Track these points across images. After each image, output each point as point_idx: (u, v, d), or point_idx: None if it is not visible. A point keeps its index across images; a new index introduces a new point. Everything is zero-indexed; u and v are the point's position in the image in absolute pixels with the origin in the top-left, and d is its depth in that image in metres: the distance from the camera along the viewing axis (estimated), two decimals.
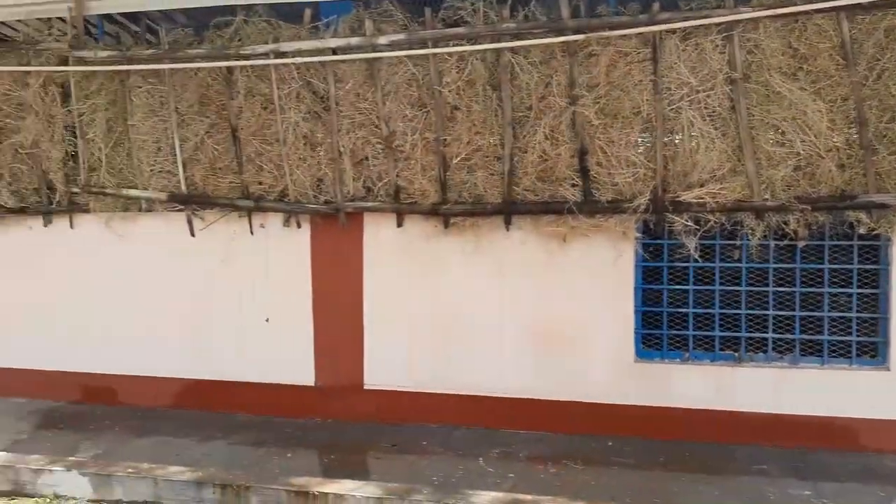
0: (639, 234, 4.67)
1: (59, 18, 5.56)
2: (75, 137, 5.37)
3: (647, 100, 4.46)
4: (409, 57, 4.76)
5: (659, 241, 4.74)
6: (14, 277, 5.68)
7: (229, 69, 5.04)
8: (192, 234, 5.31)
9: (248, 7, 5.07)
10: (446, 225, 4.89)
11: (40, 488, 4.35)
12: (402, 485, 4.05)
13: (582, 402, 4.80)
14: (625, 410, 4.75)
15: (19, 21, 5.92)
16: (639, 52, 4.47)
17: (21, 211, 5.53)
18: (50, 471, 4.38)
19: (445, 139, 4.75)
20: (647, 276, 4.82)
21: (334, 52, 4.86)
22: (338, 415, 5.17)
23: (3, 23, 5.94)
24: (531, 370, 4.87)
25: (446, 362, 5.01)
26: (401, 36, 4.76)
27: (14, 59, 5.41)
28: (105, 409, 5.44)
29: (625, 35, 4.44)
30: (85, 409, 5.45)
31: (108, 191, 5.36)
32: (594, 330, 4.78)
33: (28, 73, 5.36)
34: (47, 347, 5.63)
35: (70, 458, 4.52)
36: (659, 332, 4.82)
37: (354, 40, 4.83)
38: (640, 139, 4.53)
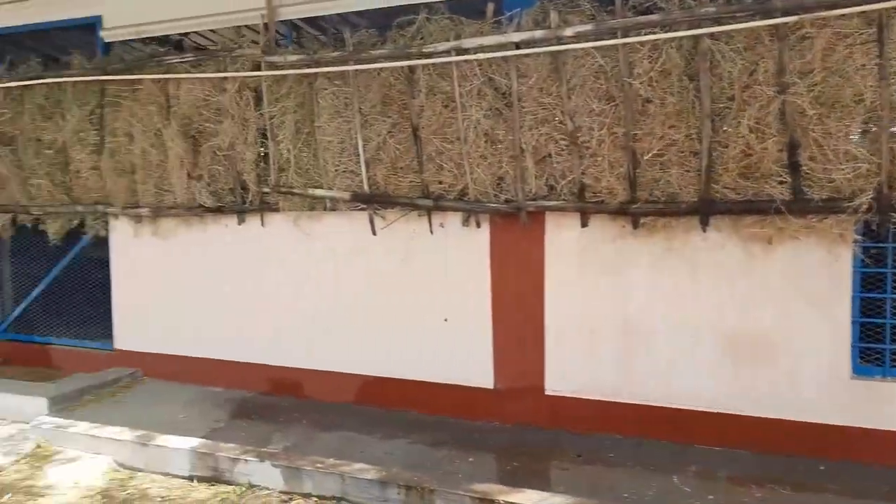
0: (858, 237, 4.16)
1: (249, 27, 5.83)
2: (266, 139, 5.60)
3: (871, 86, 3.95)
4: (596, 48, 4.53)
5: (882, 245, 4.21)
6: (212, 273, 6.02)
7: (411, 68, 5.04)
8: (374, 233, 5.38)
9: (430, 5, 5.04)
10: (635, 225, 4.61)
11: (236, 477, 4.56)
12: (591, 499, 3.85)
13: (787, 421, 4.36)
14: (838, 431, 4.27)
15: (213, 31, 6.31)
16: (861, 34, 3.97)
17: (218, 210, 5.86)
18: (245, 460, 4.57)
19: (636, 134, 4.47)
20: (867, 284, 4.29)
21: (517, 46, 4.72)
22: (516, 419, 5.04)
23: (199, 33, 6.34)
24: (728, 383, 4.50)
25: (633, 370, 4.74)
26: (588, 27, 4.52)
27: (213, 66, 5.71)
28: (292, 402, 5.64)
29: (844, 14, 3.96)
30: (274, 401, 5.69)
31: (295, 190, 5.54)
32: (802, 342, 4.33)
33: (225, 78, 5.65)
34: (239, 341, 5.93)
35: (263, 449, 4.71)
36: (880, 347, 4.28)
37: (538, 33, 4.66)
38: (862, 130, 4.03)
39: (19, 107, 6.50)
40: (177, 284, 6.17)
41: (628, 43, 4.44)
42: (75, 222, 6.48)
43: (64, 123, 6.31)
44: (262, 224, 5.79)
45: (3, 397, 5.73)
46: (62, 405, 5.64)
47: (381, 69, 5.14)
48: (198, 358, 6.11)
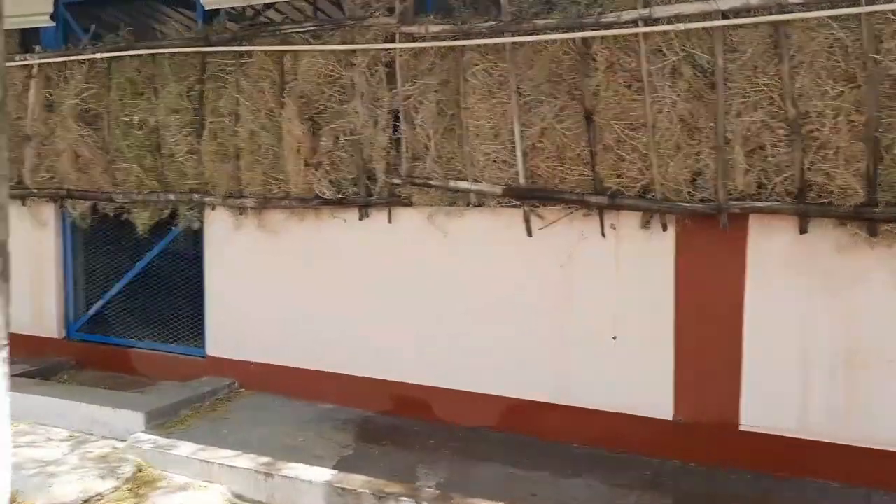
0: None
1: None
2: (399, 123, 4.87)
3: None
4: (832, 18, 3.76)
5: None
6: (327, 274, 5.29)
7: (585, 41, 4.29)
8: (529, 234, 4.62)
9: None
10: (872, 233, 3.84)
11: None
12: None
13: None
14: None
15: None
16: None
17: (338, 203, 5.12)
18: (396, 499, 3.85)
19: (881, 122, 3.70)
20: None
21: (725, 15, 3.96)
22: (701, 458, 4.28)
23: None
24: None
25: (857, 408, 3.96)
26: None
27: (338, 37, 4.98)
28: (421, 425, 4.90)
29: None
30: (399, 423, 4.95)
31: (433, 182, 4.80)
32: None
33: (353, 52, 4.92)
34: (358, 352, 5.19)
35: (413, 485, 3.99)
36: None
37: (755, 0, 3.90)
38: None
39: (106, 82, 5.80)
40: (282, 285, 5.44)
41: (876, 12, 3.67)
42: (166, 212, 5.77)
43: (157, 101, 5.61)
44: (389, 220, 5.05)
45: (90, 409, 5.04)
46: (158, 421, 4.94)
47: (547, 42, 4.39)
48: (304, 370, 5.38)
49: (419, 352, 5.00)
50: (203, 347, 5.80)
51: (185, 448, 4.54)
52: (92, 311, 6.35)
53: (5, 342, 2.04)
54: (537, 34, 4.39)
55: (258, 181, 5.32)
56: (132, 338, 6.17)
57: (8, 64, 6.19)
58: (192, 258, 5.90)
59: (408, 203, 4.93)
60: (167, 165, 5.66)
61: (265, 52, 5.19)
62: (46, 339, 6.42)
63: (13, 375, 5.82)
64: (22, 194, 6.29)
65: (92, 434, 4.97)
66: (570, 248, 4.55)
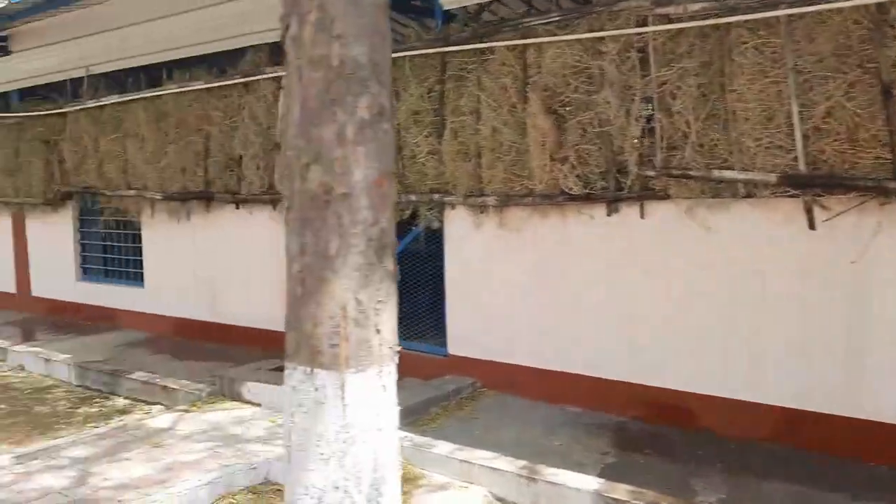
0: None
1: None
2: (652, 111, 4.58)
3: None
4: None
5: None
6: (572, 273, 5.12)
7: (881, 6, 3.76)
8: (811, 227, 4.16)
9: None
10: None
11: None
12: None
13: None
14: None
15: None
16: None
17: (585, 198, 4.92)
18: None
19: None
20: None
21: None
22: None
23: None
24: None
25: None
26: None
27: (584, 25, 4.78)
28: (682, 434, 4.59)
29: None
30: (659, 431, 4.66)
31: (692, 173, 4.46)
32: None
33: (601, 40, 4.70)
34: (610, 354, 4.97)
35: (692, 501, 3.70)
36: None
37: None
38: None
39: None
40: (526, 285, 5.34)
41: None
42: (407, 213, 5.88)
43: (398, 104, 5.71)
44: (642, 215, 4.77)
45: None
46: (410, 418, 5.01)
47: (831, 11, 3.91)
48: (550, 371, 5.25)
49: (675, 354, 4.67)
50: (444, 346, 5.85)
51: (443, 447, 4.55)
52: None
53: (396, 349, 2.03)
54: (819, 3, 3.93)
55: (499, 179, 5.25)
56: None
57: (258, 77, 6.62)
58: (431, 257, 5.97)
59: (663, 196, 4.63)
60: (408, 167, 5.76)
61: (507, 48, 5.10)
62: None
63: (270, 369, 6.24)
64: (273, 199, 6.70)
65: None
66: (864, 241, 4.03)
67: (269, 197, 6.72)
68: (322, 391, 1.83)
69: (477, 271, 5.59)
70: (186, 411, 5.66)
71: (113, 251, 8.75)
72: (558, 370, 5.19)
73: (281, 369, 5.92)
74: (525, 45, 5.01)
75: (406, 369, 6.17)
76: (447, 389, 5.40)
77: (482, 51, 5.23)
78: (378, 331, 1.90)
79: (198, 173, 7.27)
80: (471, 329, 5.66)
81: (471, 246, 5.60)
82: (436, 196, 5.64)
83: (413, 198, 5.77)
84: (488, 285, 5.53)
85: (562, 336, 5.18)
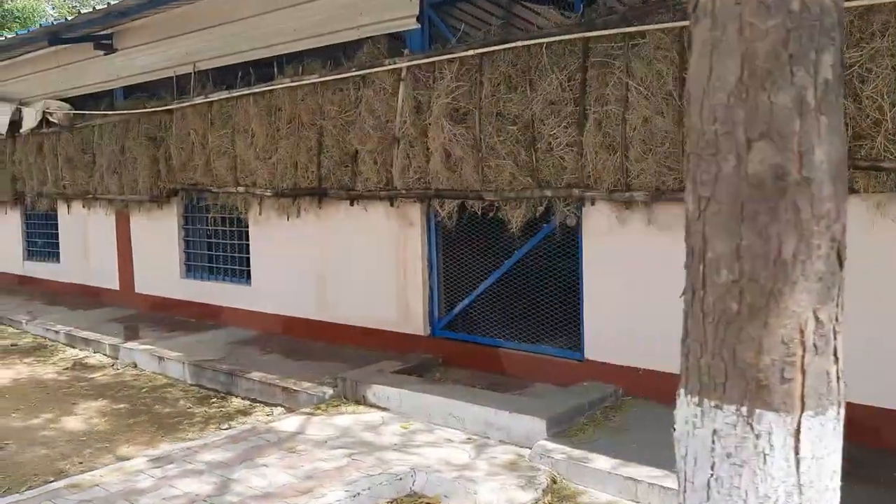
0: None
1: None
2: None
3: None
4: None
5: None
6: None
7: None
8: None
9: None
10: None
11: None
12: None
13: None
14: None
15: None
16: None
17: None
18: None
19: None
20: None
21: None
22: None
23: None
24: None
25: None
26: None
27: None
28: (881, 453, 4.14)
29: None
30: (865, 455, 4.20)
31: (885, 164, 4.01)
32: None
33: None
34: None
35: None
36: None
37: None
38: None
39: (477, 78, 5.72)
40: (677, 285, 4.95)
41: None
42: (540, 209, 5.56)
43: (533, 94, 5.40)
44: None
45: (484, 411, 4.93)
46: (557, 428, 4.70)
47: None
48: None
49: (882, 370, 4.21)
50: (579, 350, 5.52)
51: (602, 462, 4.22)
52: (457, 310, 6.37)
53: (840, 374, 1.49)
54: None
55: (650, 172, 4.88)
56: (500, 337, 6.08)
57: (376, 69, 6.40)
58: (565, 256, 5.64)
59: (853, 189, 4.18)
60: (543, 160, 5.44)
61: (662, 30, 4.73)
62: (412, 336, 6.56)
63: (392, 372, 6.02)
64: (390, 195, 6.48)
65: (488, 438, 4.86)
66: None
67: (386, 193, 6.49)
68: (766, 439, 1.42)
69: (620, 271, 5.23)
70: (312, 414, 5.48)
71: (218, 248, 8.69)
72: None
73: (406, 372, 5.71)
74: (682, 27, 4.63)
75: (536, 373, 5.90)
76: (591, 397, 5.06)
77: (632, 35, 4.87)
78: (836, 359, 1.46)
79: (310, 169, 7.10)
80: (612, 332, 5.31)
81: (613, 244, 5.24)
82: (575, 191, 5.30)
83: (548, 193, 5.45)
84: (632, 286, 5.17)
85: None
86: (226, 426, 5.65)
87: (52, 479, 4.58)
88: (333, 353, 6.87)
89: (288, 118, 7.22)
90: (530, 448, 4.58)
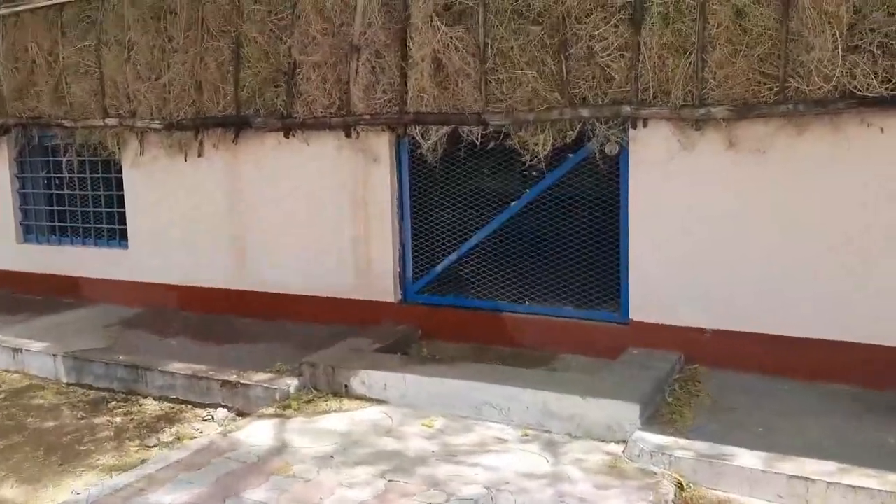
0: None
1: None
2: None
3: None
4: None
5: None
6: (846, 209, 3.82)
7: None
8: None
9: None
10: None
11: None
12: None
13: None
14: None
15: None
16: None
17: (890, 103, 3.60)
18: None
19: None
20: None
21: None
22: None
23: None
24: None
25: None
26: None
27: None
28: None
29: None
30: None
31: None
32: None
33: None
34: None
35: None
36: None
37: None
38: None
39: None
40: (761, 228, 3.99)
41: None
42: (571, 134, 4.35)
43: None
44: None
45: (540, 396, 3.70)
46: (646, 413, 3.59)
47: None
48: (795, 338, 3.96)
49: None
50: (619, 311, 4.44)
51: (744, 457, 3.17)
52: (440, 268, 5.02)
53: None
54: None
55: (741, 80, 3.83)
56: (504, 299, 4.83)
57: None
58: (599, 194, 4.49)
59: None
60: (578, 70, 4.23)
61: None
62: (376, 304, 5.15)
63: (373, 351, 4.60)
64: (346, 122, 4.97)
65: (548, 431, 3.65)
66: None
67: (340, 120, 4.97)
68: None
69: (681, 209, 4.17)
70: (281, 416, 3.97)
71: (74, 202, 6.61)
72: (807, 337, 3.91)
73: (390, 350, 4.30)
74: None
75: (560, 343, 4.75)
76: (663, 370, 3.99)
77: None
78: None
79: (223, 91, 5.37)
80: (667, 288, 4.26)
81: (675, 175, 4.16)
82: (626, 108, 4.14)
83: (584, 112, 4.25)
84: (698, 227, 4.14)
85: (817, 294, 3.89)
86: (153, 443, 3.98)
87: None
88: (268, 332, 5.29)
89: (186, 23, 5.41)
90: (618, 442, 3.45)
